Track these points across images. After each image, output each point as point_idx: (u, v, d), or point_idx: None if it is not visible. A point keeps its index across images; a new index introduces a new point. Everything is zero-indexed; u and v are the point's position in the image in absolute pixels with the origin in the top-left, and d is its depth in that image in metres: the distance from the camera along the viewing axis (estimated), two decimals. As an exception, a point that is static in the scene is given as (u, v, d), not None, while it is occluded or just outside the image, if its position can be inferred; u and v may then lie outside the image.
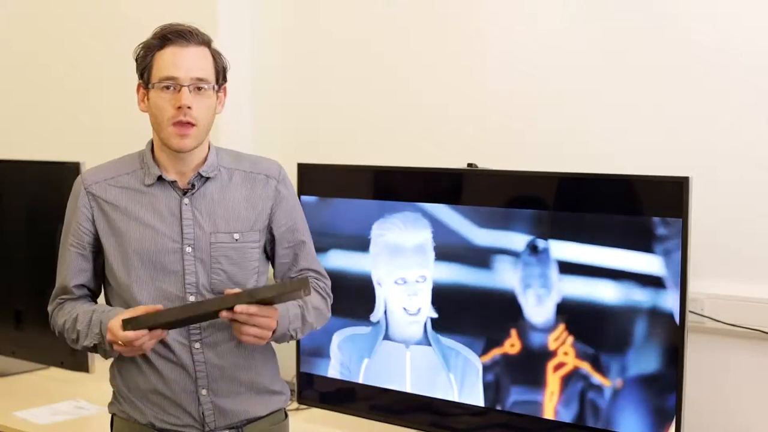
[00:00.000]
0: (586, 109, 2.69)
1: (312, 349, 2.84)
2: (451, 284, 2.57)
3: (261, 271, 2.21)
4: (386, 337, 2.69)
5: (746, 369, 2.46)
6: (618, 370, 2.32)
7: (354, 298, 2.74)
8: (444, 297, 2.59)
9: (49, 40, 3.85)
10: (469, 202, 2.55)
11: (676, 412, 2.24)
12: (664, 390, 2.25)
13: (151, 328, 2.00)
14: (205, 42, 2.13)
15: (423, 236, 2.60)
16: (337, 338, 2.78)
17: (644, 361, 2.29)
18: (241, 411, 2.18)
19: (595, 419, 2.36)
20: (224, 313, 1.99)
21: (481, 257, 2.51)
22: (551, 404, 2.42)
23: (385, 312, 2.69)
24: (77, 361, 3.09)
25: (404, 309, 2.65)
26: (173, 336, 2.12)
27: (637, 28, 2.60)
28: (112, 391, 2.24)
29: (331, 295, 2.30)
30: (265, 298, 2.00)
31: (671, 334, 2.24)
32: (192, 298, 2.13)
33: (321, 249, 2.77)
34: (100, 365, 2.92)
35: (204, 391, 2.15)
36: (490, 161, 2.65)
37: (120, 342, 2.01)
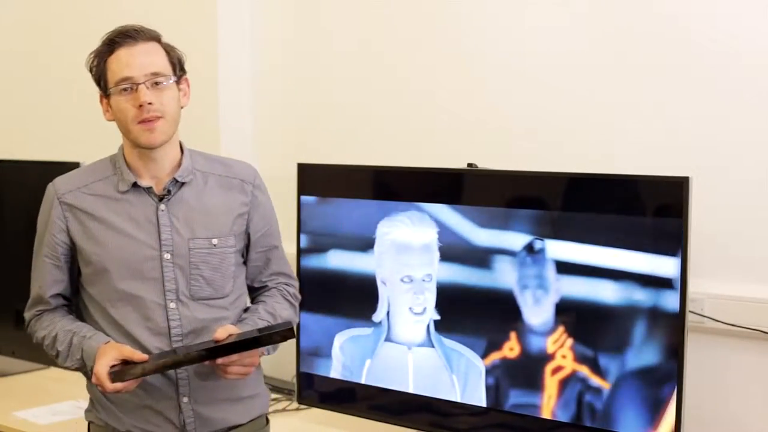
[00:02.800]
0: (586, 109, 2.69)
1: (312, 349, 2.83)
2: (453, 285, 2.57)
3: (236, 275, 2.20)
4: (388, 338, 2.69)
5: (746, 369, 2.46)
6: (617, 372, 2.32)
7: (355, 299, 2.74)
8: (446, 298, 2.59)
9: (49, 40, 3.85)
10: (469, 202, 2.55)
11: (676, 412, 2.23)
12: (664, 390, 2.25)
13: (139, 376, 2.03)
14: (154, 37, 2.12)
15: (430, 235, 2.60)
16: (339, 340, 2.77)
17: (644, 361, 2.29)
18: (221, 419, 2.18)
19: (594, 420, 2.35)
20: (207, 363, 2.04)
21: (482, 258, 2.51)
22: (549, 408, 2.42)
23: (388, 313, 2.69)
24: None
25: (410, 309, 2.65)
26: (155, 344, 2.11)
27: (637, 28, 2.60)
28: (89, 398, 2.23)
29: (299, 296, 2.32)
30: (247, 345, 2.03)
31: (671, 335, 2.24)
32: (172, 305, 2.11)
33: (321, 249, 2.77)
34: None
35: (185, 399, 2.13)
36: (490, 161, 2.65)
37: (108, 391, 2.02)
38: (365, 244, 2.70)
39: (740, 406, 2.47)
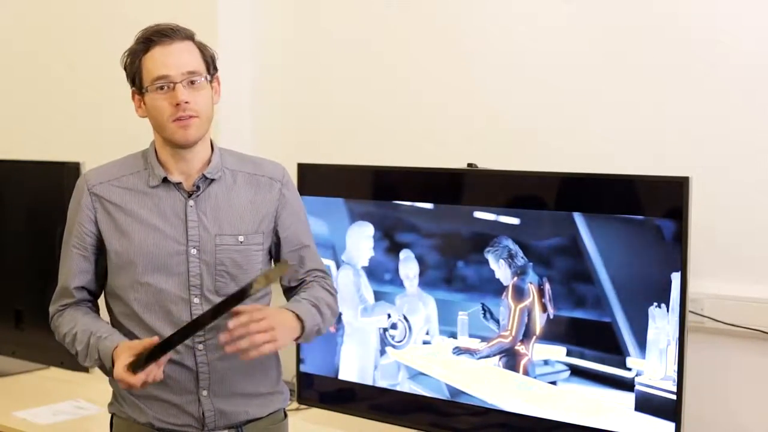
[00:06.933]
0: (586, 109, 2.69)
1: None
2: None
3: None
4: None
5: (746, 369, 2.46)
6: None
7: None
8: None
9: (49, 40, 3.85)
10: (469, 202, 2.55)
11: (676, 412, 2.24)
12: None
13: (156, 358, 1.99)
14: (189, 36, 2.13)
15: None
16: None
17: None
18: (241, 412, 2.19)
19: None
20: (224, 338, 1.98)
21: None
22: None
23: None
24: (77, 361, 3.09)
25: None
26: None
27: (637, 28, 2.60)
28: (112, 392, 2.24)
29: (336, 290, 2.30)
30: (249, 289, 1.93)
31: (671, 335, 2.24)
32: (196, 300, 2.12)
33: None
34: (100, 365, 2.92)
35: (205, 392, 2.15)
36: (490, 161, 2.65)
37: (137, 386, 2.00)
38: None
39: (740, 405, 2.47)
